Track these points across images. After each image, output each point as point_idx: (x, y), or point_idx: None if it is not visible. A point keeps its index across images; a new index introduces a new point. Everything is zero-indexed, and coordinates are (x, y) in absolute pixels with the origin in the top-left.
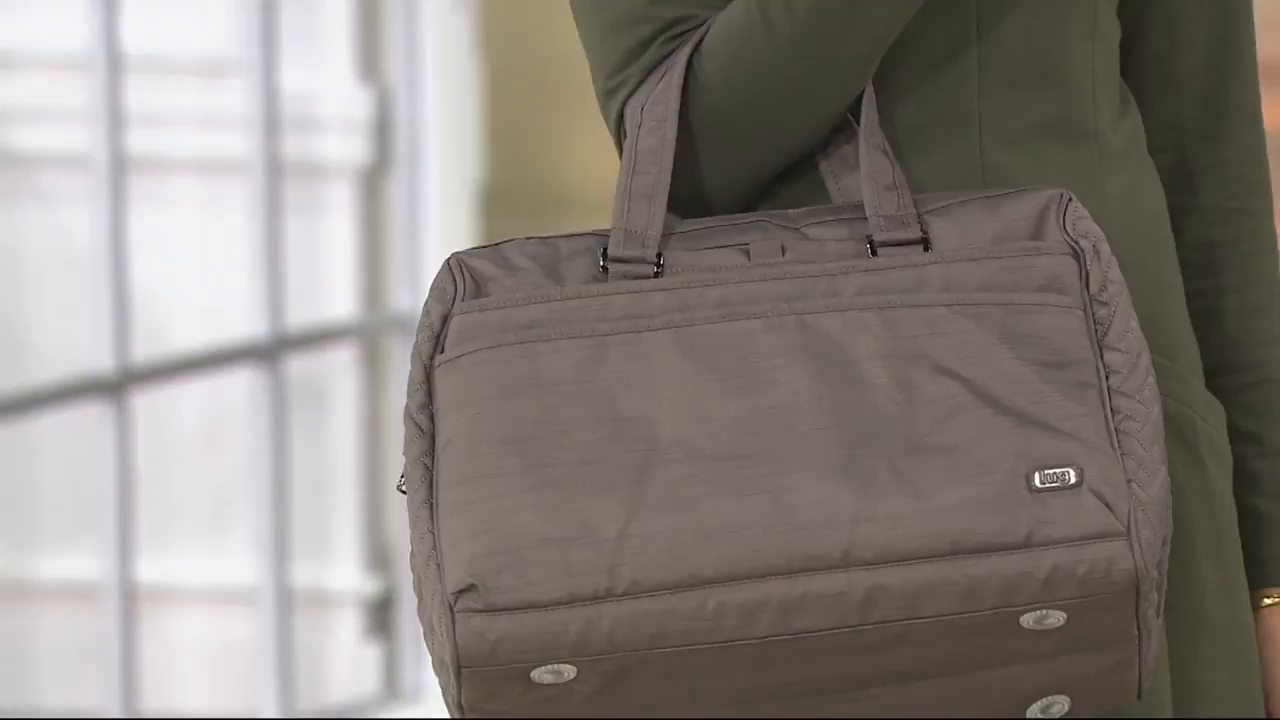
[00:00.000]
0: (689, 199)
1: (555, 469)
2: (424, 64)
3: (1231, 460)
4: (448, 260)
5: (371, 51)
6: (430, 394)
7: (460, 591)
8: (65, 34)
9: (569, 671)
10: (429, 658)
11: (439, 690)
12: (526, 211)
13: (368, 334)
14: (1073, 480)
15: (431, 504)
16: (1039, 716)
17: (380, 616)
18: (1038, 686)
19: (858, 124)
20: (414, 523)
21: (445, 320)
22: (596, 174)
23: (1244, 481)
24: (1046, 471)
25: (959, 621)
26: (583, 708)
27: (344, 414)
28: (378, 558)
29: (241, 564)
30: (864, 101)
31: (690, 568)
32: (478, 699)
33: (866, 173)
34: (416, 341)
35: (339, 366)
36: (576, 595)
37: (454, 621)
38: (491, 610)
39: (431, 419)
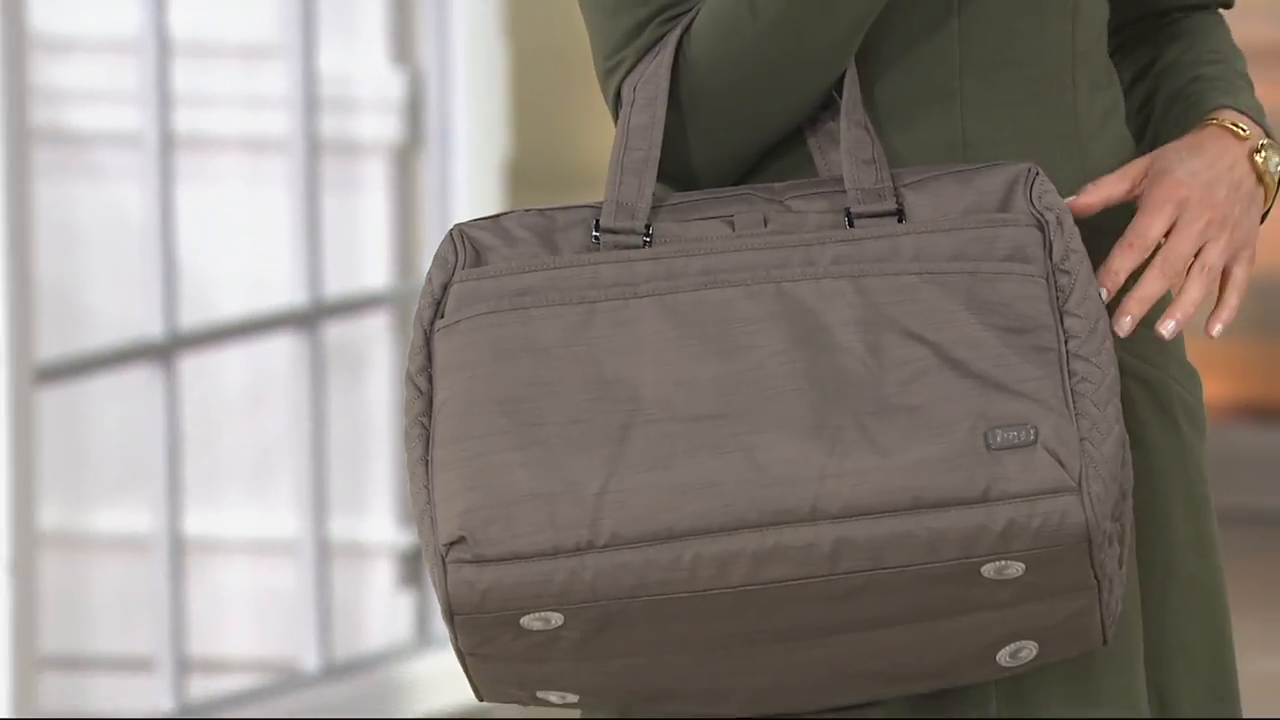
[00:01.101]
0: (679, 174)
1: (543, 428)
2: (454, 48)
3: (1204, 423)
4: (450, 230)
5: (404, 36)
6: (429, 357)
7: (451, 544)
8: (117, 20)
9: (556, 619)
10: None
11: None
12: (550, 186)
13: (401, 302)
14: (1029, 439)
15: (427, 461)
16: (1009, 662)
17: (412, 567)
18: (1004, 633)
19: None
20: (411, 478)
21: (445, 288)
22: None
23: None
24: (1003, 431)
25: (922, 571)
26: (571, 653)
27: (378, 377)
28: (410, 512)
29: (283, 517)
30: (846, 79)
31: (667, 522)
32: (473, 644)
33: (846, 148)
34: (418, 307)
35: (374, 332)
36: (560, 547)
37: (445, 571)
38: (480, 561)
39: (430, 380)
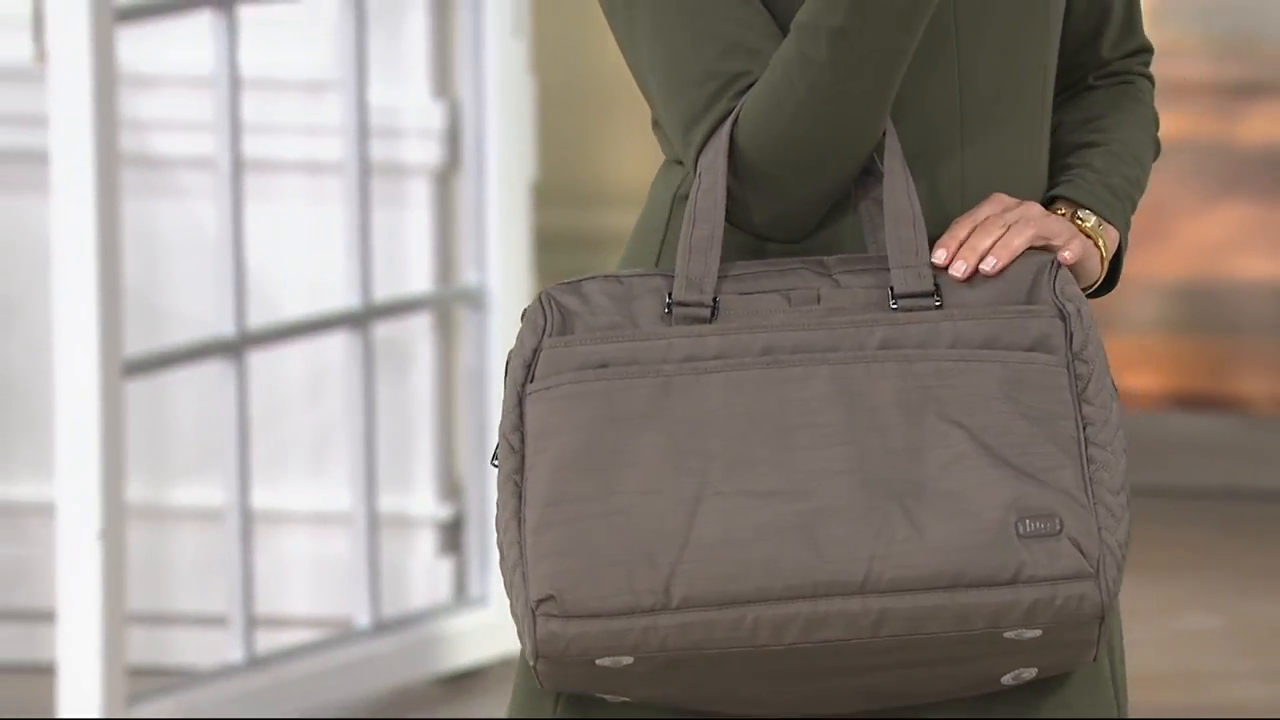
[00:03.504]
0: (750, 232)
1: (623, 497)
2: (488, 83)
3: None
4: (539, 296)
5: (444, 73)
6: (522, 417)
7: (541, 600)
8: (195, 59)
9: (627, 660)
10: (493, 571)
11: (501, 597)
12: (572, 205)
13: (441, 305)
14: (1054, 529)
15: (520, 518)
16: (1011, 682)
17: (452, 536)
18: (1012, 666)
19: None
20: (503, 530)
21: (535, 351)
22: (632, 174)
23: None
24: (1032, 521)
25: (952, 637)
26: (636, 681)
27: (421, 370)
28: (450, 488)
29: (338, 492)
30: (887, 151)
31: (732, 592)
32: (549, 672)
33: (889, 214)
34: (510, 367)
35: (418, 331)
36: (636, 608)
37: (535, 623)
38: (566, 617)
39: (522, 440)
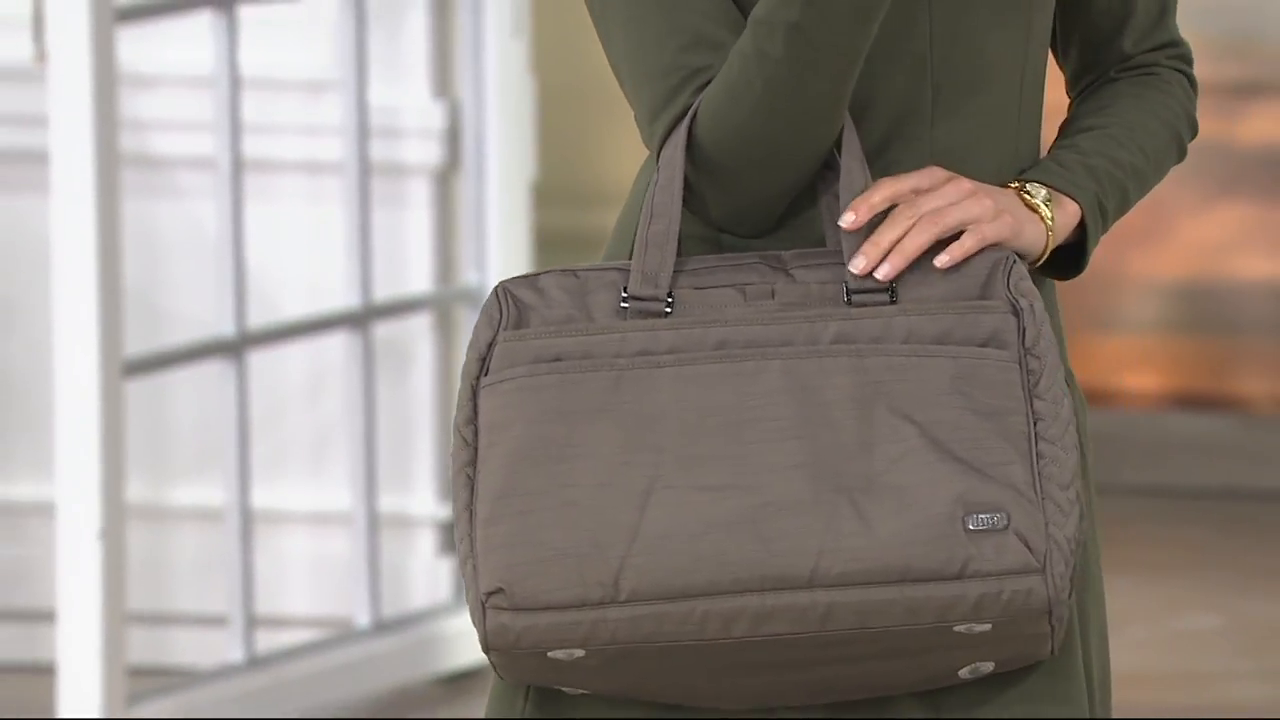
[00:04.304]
0: (703, 228)
1: (574, 490)
2: (487, 83)
3: (1089, 444)
4: (495, 289)
5: (444, 73)
6: (476, 410)
7: (491, 593)
8: (195, 59)
9: (578, 653)
10: None
11: None
12: (572, 204)
13: (441, 305)
14: (1002, 524)
15: (471, 511)
16: (968, 676)
17: (451, 537)
18: (967, 660)
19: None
20: (456, 524)
21: (490, 345)
22: (632, 174)
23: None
24: (980, 516)
25: (902, 630)
26: (589, 673)
27: (421, 370)
28: (449, 488)
29: (338, 492)
30: (845, 143)
31: (680, 586)
32: (503, 663)
33: (845, 211)
34: (466, 361)
35: (417, 331)
36: (586, 600)
37: (485, 615)
38: (515, 609)
39: (476, 433)
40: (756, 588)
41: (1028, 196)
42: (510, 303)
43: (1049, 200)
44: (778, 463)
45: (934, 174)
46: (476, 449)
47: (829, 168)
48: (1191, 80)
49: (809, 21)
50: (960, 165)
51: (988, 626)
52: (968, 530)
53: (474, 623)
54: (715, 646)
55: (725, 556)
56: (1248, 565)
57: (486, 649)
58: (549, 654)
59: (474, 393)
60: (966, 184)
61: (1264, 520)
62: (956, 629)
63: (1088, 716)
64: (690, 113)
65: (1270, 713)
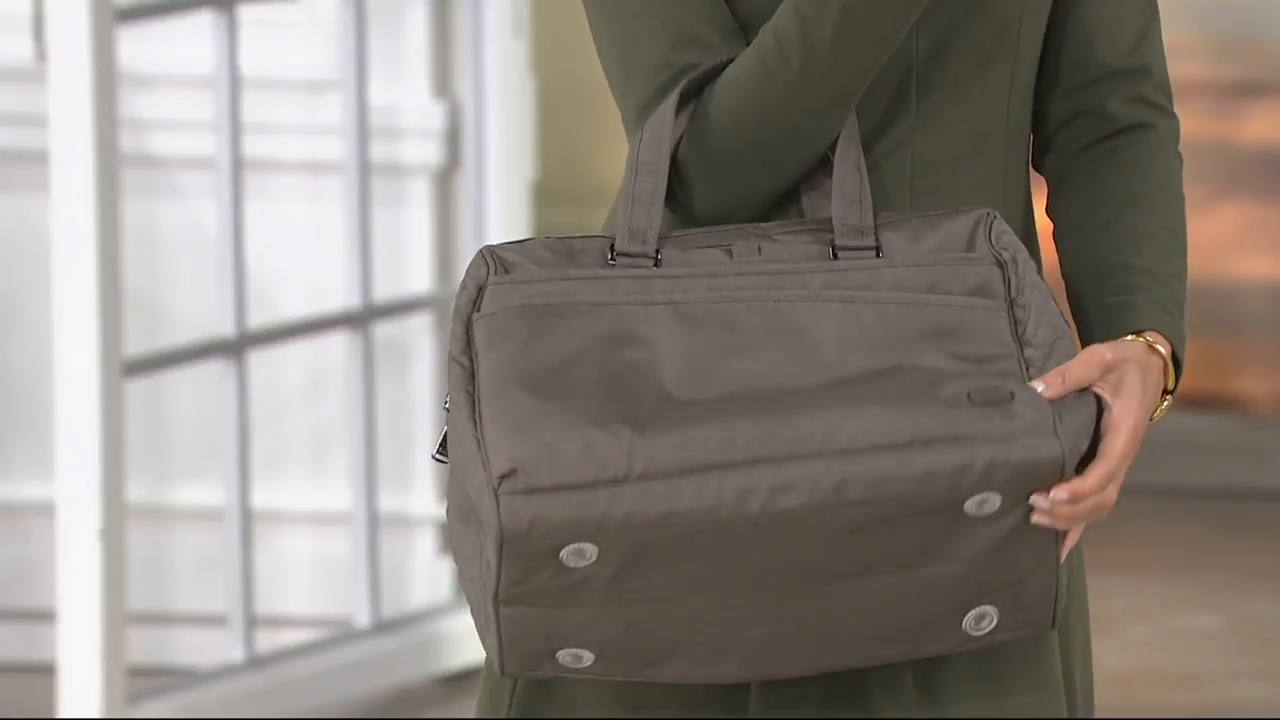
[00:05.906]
0: (674, 217)
1: (579, 388)
2: (487, 83)
3: None
4: (480, 251)
5: (444, 73)
6: (470, 341)
7: (503, 476)
8: (195, 59)
9: (591, 551)
10: None
11: None
12: (572, 204)
13: (441, 304)
14: (1007, 397)
15: (475, 418)
16: (974, 630)
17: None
18: (973, 590)
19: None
20: (457, 437)
21: (480, 290)
22: None
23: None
24: (986, 392)
25: (915, 504)
26: (599, 595)
27: (421, 370)
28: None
29: (338, 492)
30: (844, 133)
31: (693, 458)
32: (513, 580)
33: (838, 183)
34: (456, 305)
35: (418, 331)
36: (600, 479)
37: (498, 502)
38: (529, 491)
39: (472, 359)
40: (770, 457)
41: (1158, 413)
42: (495, 260)
43: (1166, 366)
44: (778, 384)
45: (1102, 368)
46: (474, 371)
47: (822, 164)
48: (1175, 126)
49: (863, 6)
50: (948, 177)
51: (998, 500)
52: (974, 404)
53: (484, 522)
54: (730, 539)
55: (737, 430)
56: (1248, 565)
57: (499, 547)
58: (561, 555)
59: (468, 327)
60: (1133, 378)
61: (1264, 520)
62: (967, 508)
63: None
64: (682, 87)
65: (1270, 713)
